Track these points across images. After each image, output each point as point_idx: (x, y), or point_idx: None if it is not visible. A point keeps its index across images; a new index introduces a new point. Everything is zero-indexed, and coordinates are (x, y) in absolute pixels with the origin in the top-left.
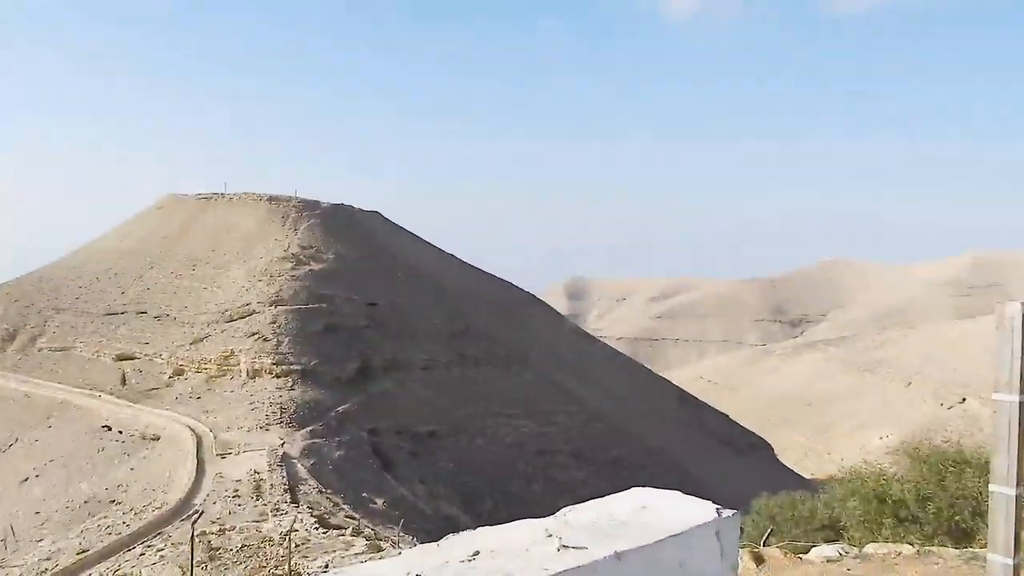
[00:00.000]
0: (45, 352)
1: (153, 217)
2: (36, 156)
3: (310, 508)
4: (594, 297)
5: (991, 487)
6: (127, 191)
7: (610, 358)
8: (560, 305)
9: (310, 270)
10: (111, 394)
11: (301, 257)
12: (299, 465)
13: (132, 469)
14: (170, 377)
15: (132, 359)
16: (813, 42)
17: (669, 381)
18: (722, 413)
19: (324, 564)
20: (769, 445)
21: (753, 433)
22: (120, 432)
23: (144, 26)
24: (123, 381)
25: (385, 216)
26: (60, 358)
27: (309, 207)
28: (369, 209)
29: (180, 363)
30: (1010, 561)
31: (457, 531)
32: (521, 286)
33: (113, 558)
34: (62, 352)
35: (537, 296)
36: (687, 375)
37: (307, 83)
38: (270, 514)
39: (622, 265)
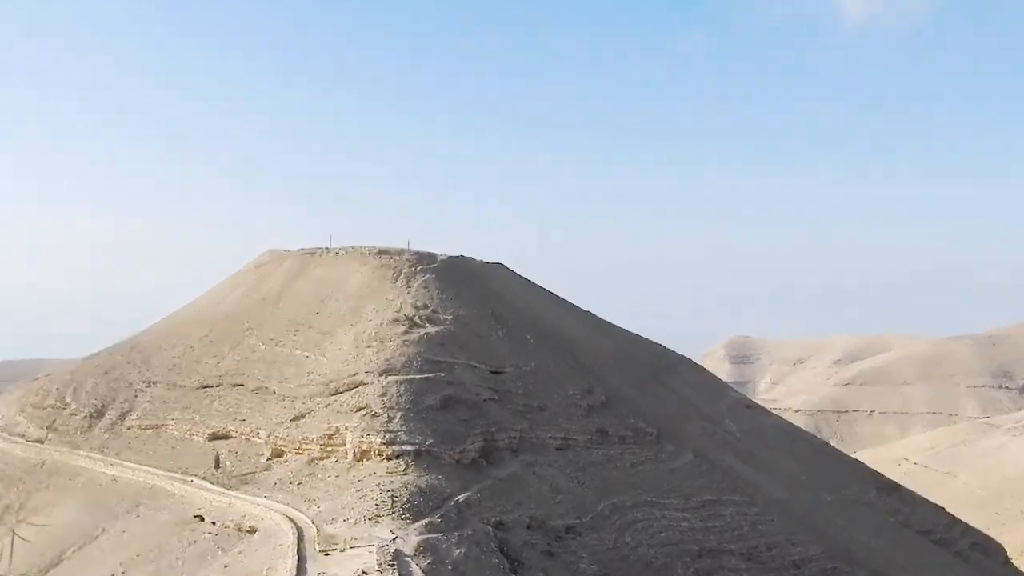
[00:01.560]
0: (135, 431)
1: (251, 277)
2: (126, 219)
3: None
4: (764, 360)
5: None
6: (223, 248)
7: (787, 435)
8: (723, 371)
9: (425, 334)
10: (204, 479)
11: (415, 319)
12: (413, 565)
13: (226, 566)
14: (268, 459)
15: (227, 438)
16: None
17: (863, 463)
18: (935, 505)
19: None
20: (1000, 547)
21: (978, 531)
22: (213, 523)
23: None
24: (217, 463)
25: (510, 268)
26: (150, 437)
27: (423, 260)
28: (492, 261)
29: (279, 443)
30: None
31: None
32: (674, 348)
33: None
34: (153, 430)
35: (694, 360)
36: (887, 456)
37: (418, 114)
38: None
39: (797, 320)
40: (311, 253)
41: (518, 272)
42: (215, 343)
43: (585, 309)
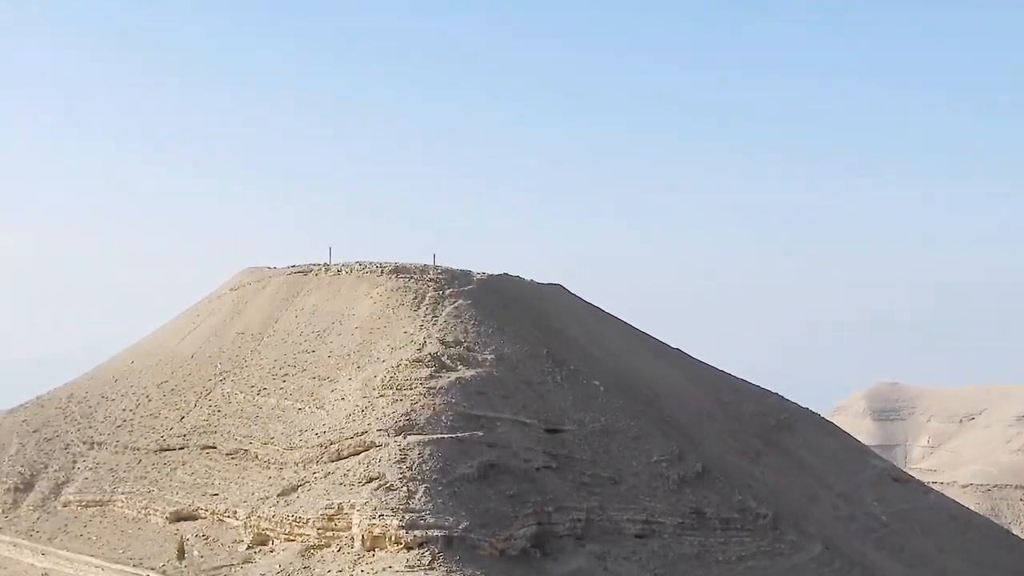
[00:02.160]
0: (73, 508)
1: (225, 304)
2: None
3: None
4: (919, 416)
5: None
6: (189, 265)
7: (953, 520)
8: (862, 430)
9: (458, 379)
10: (164, 574)
11: (444, 358)
12: None
13: None
14: (249, 548)
15: (194, 519)
16: None
17: None
18: None
19: None
20: None
21: None
22: None
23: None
24: (181, 553)
25: (570, 291)
26: (94, 517)
27: (454, 281)
28: (546, 282)
29: (263, 526)
30: None
31: None
32: (792, 398)
33: None
34: (97, 507)
35: (823, 416)
36: None
37: (443, 95)
38: None
39: (963, 361)
40: (304, 272)
41: (581, 296)
42: (178, 391)
43: (674, 347)
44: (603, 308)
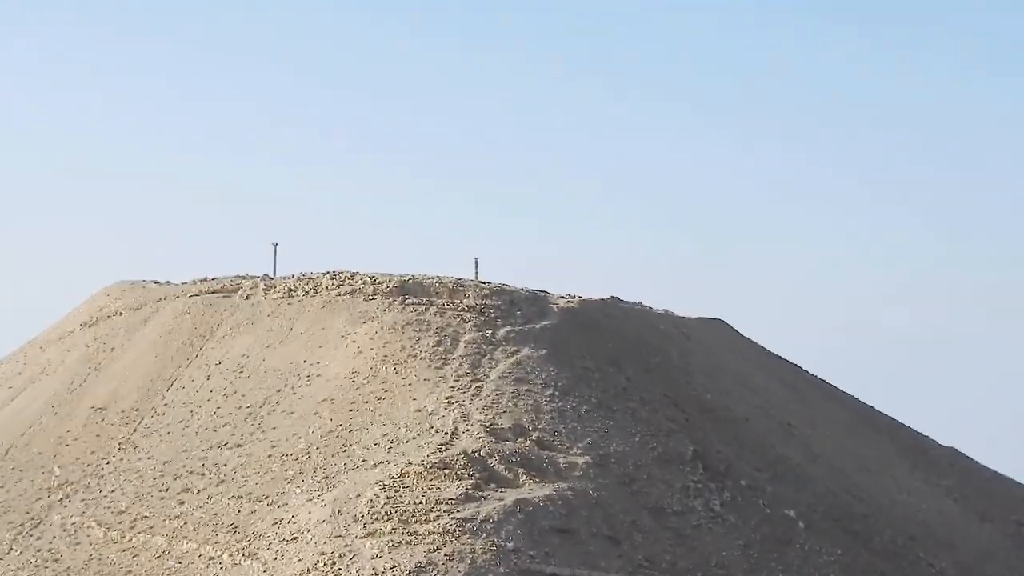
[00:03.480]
0: None
1: (72, 351)
2: None
3: None
4: None
5: None
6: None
7: None
8: None
9: (520, 503)
10: None
11: (494, 462)
12: None
13: None
14: None
15: None
16: None
17: None
18: None
19: None
20: None
21: None
22: None
23: None
24: None
25: (739, 331)
26: None
27: (517, 309)
28: (695, 315)
29: None
30: None
31: None
32: None
33: None
34: None
35: None
36: None
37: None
38: None
39: None
40: (225, 291)
41: (759, 341)
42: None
43: (947, 445)
44: (801, 365)
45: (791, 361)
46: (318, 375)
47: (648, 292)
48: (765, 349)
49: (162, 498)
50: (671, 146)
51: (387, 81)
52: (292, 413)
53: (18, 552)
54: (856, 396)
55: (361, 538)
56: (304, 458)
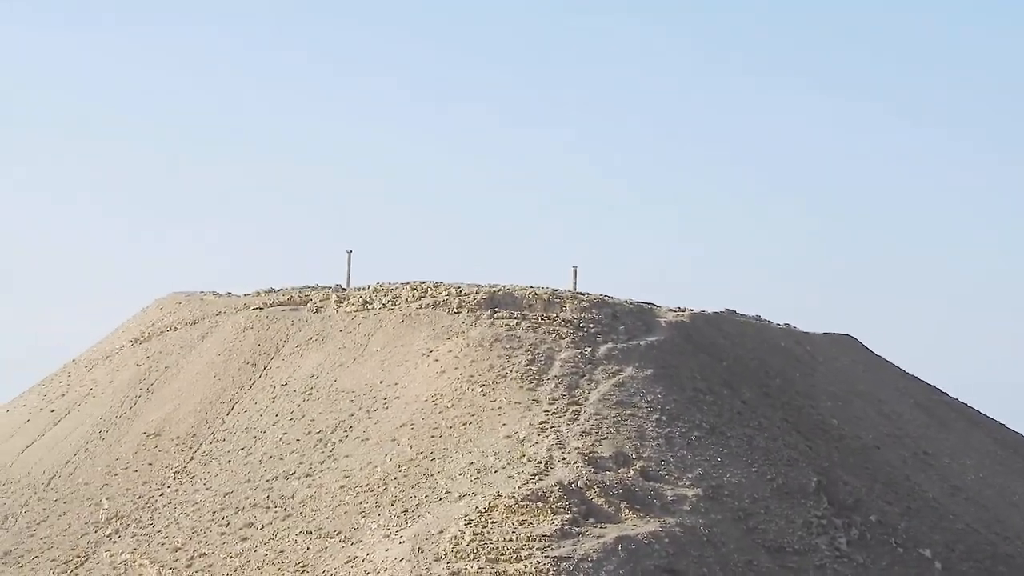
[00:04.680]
0: None
1: (121, 371)
2: None
3: None
4: None
5: None
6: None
7: None
8: None
9: (621, 541)
10: None
11: (592, 496)
12: None
13: None
14: None
15: None
16: None
17: None
18: None
19: None
20: None
21: None
22: None
23: None
24: None
25: (870, 349)
26: None
27: (620, 324)
28: (822, 331)
29: None
30: None
31: None
32: None
33: None
34: None
35: None
36: None
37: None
38: None
39: None
40: (292, 303)
41: (893, 361)
42: (17, 558)
43: None
44: (940, 387)
45: (929, 382)
46: (396, 397)
47: (768, 305)
48: (899, 369)
49: (222, 533)
50: (816, 142)
51: (472, 83)
52: (367, 440)
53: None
54: (1003, 422)
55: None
56: (380, 489)
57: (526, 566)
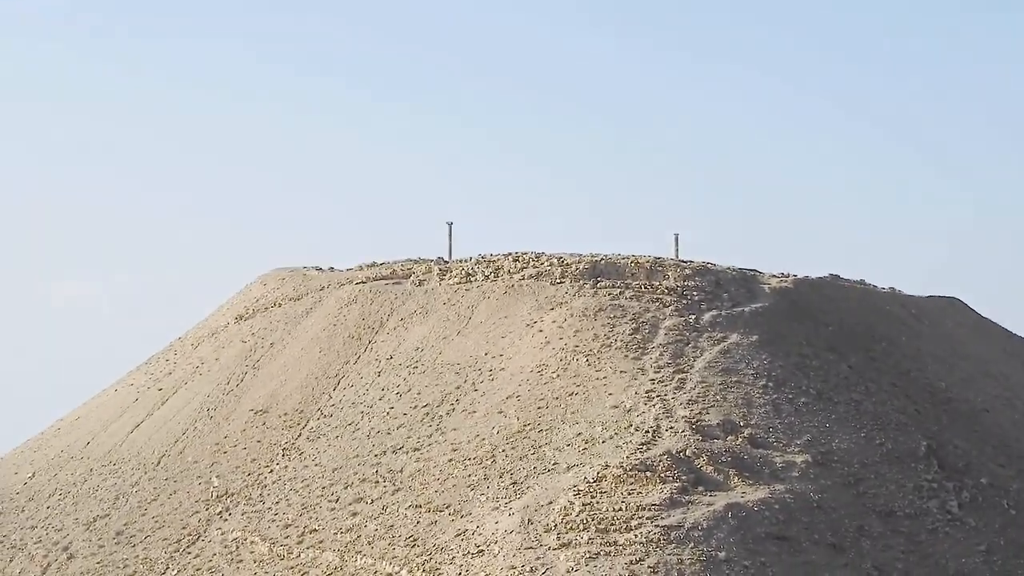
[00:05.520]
0: None
1: (227, 348)
2: None
3: None
4: None
5: None
6: (149, 271)
7: None
8: None
9: (732, 508)
10: None
11: (701, 463)
12: None
13: None
14: None
15: None
16: None
17: None
18: None
19: None
20: None
21: None
22: None
23: None
24: None
25: (978, 312)
26: None
27: (724, 291)
28: (928, 294)
29: None
30: None
31: None
32: None
33: None
34: None
35: None
36: None
37: None
38: None
39: None
40: (396, 276)
41: (1004, 324)
42: (130, 537)
43: None
44: None
45: None
46: (502, 369)
47: (873, 269)
48: (1008, 331)
49: (332, 509)
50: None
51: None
52: (474, 412)
53: (175, 572)
54: None
55: (555, 550)
56: (488, 462)
57: (636, 535)
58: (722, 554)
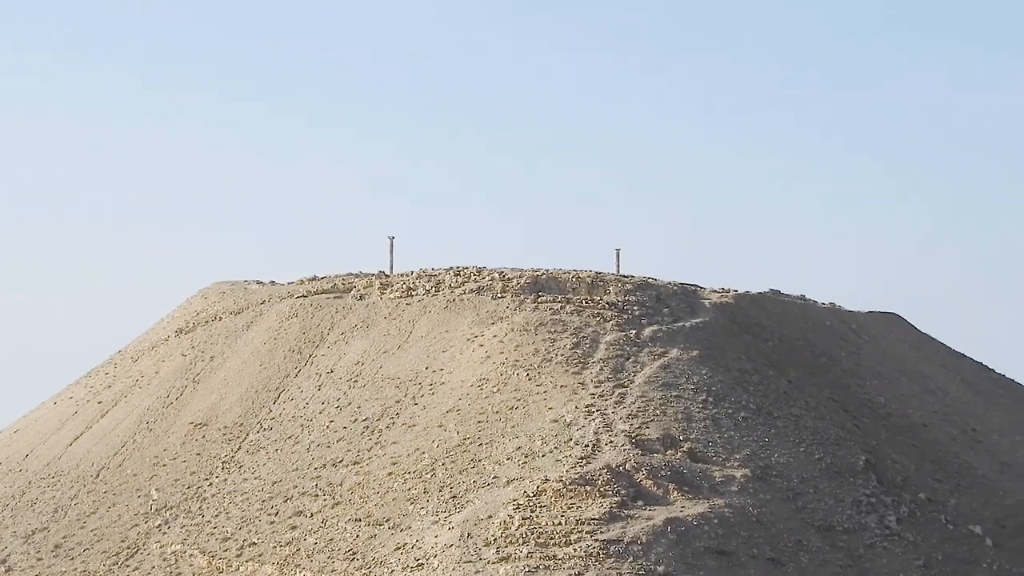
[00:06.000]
0: None
1: (167, 361)
2: None
3: None
4: None
5: None
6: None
7: None
8: None
9: (670, 522)
10: None
11: (640, 478)
12: None
13: None
14: None
15: None
16: None
17: None
18: None
19: None
20: None
21: None
22: None
23: None
24: None
25: (916, 326)
26: None
27: (664, 305)
28: (868, 310)
29: None
30: None
31: None
32: None
33: None
34: None
35: None
36: None
37: None
38: None
39: None
40: (336, 290)
41: (939, 339)
42: (68, 551)
43: None
44: (988, 364)
45: (976, 360)
46: (442, 383)
47: (813, 284)
48: (946, 346)
49: (272, 523)
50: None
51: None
52: (414, 426)
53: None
54: None
55: (494, 563)
56: (428, 476)
57: (576, 550)
58: (661, 568)
